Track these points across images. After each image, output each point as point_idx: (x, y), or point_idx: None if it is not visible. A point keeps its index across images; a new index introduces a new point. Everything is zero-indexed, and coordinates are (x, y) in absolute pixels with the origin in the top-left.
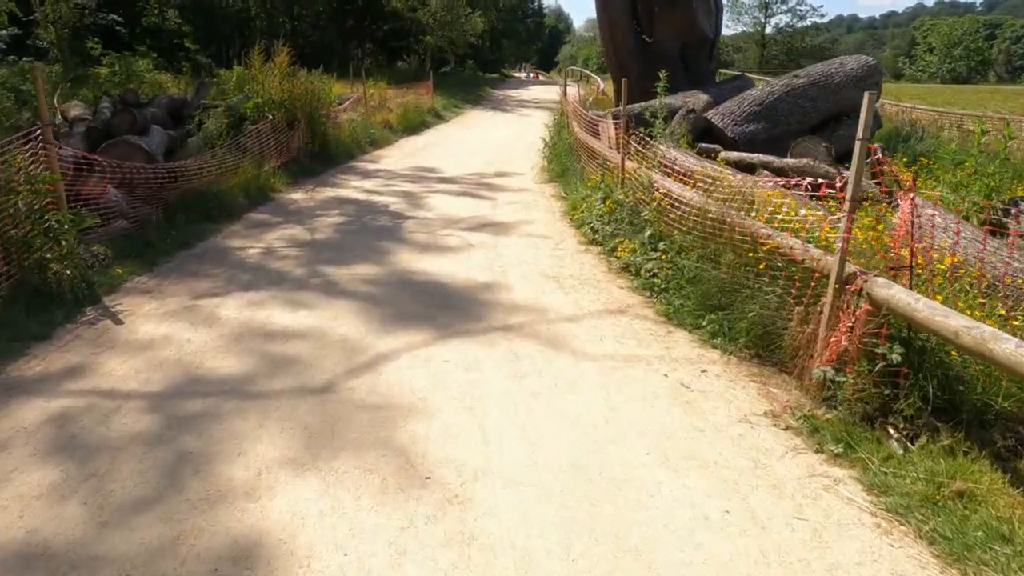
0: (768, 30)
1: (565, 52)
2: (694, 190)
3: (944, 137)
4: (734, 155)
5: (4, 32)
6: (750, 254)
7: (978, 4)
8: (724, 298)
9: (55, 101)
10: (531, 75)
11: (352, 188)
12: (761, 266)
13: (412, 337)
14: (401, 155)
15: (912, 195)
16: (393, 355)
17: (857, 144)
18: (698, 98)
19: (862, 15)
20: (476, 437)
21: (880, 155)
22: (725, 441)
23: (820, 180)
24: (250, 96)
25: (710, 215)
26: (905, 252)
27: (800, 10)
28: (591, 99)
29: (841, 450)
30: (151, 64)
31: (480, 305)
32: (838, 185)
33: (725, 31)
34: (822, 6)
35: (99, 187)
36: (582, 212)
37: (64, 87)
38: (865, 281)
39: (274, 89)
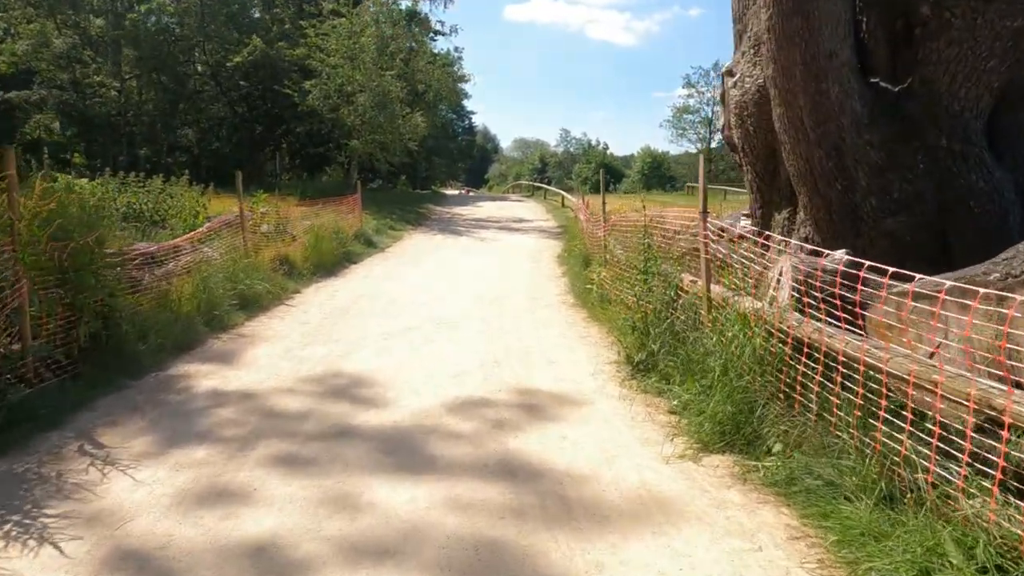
0: (714, 144)
1: (495, 170)
2: None
3: None
4: None
5: None
6: None
7: None
8: None
9: None
10: (463, 191)
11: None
12: None
13: None
14: (298, 335)
15: None
16: None
17: None
18: None
19: None
20: None
21: None
22: None
23: None
24: None
25: None
26: None
27: None
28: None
29: None
30: None
31: None
32: None
33: (671, 148)
34: None
35: None
36: None
37: None
38: None
39: None
